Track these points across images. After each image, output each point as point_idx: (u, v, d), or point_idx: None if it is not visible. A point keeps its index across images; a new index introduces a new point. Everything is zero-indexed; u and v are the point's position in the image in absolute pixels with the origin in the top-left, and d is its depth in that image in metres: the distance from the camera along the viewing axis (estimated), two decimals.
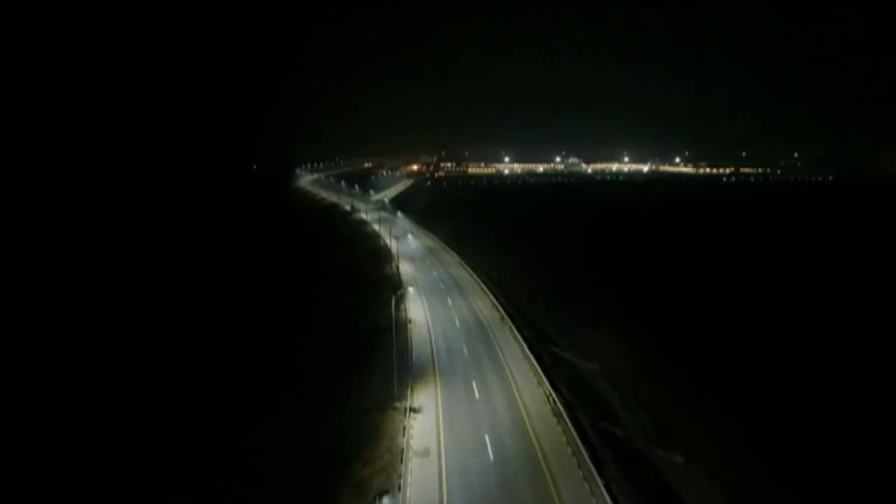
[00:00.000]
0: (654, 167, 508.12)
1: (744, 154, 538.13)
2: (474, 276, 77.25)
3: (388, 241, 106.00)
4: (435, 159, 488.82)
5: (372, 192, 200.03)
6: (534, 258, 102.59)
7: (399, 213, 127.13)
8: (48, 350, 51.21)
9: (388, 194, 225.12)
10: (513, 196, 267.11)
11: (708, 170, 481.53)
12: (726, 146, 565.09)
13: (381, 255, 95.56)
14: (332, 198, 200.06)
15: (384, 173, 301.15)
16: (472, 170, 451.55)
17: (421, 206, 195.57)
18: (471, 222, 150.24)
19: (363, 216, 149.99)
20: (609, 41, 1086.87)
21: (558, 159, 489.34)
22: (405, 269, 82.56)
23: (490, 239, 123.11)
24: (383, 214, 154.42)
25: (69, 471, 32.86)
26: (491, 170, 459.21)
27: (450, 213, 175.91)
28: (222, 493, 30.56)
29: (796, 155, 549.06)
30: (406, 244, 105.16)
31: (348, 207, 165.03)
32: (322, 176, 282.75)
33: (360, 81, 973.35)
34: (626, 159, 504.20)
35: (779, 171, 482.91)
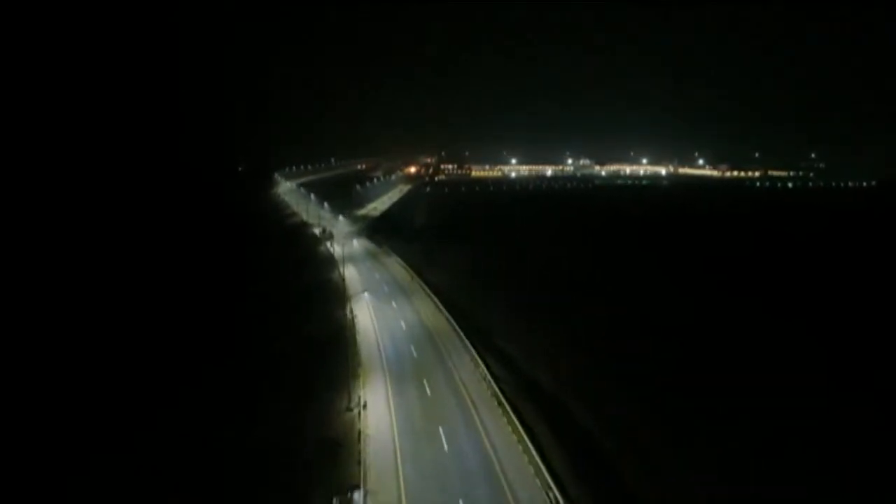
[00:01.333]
0: (672, 169, 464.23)
1: (756, 155, 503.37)
2: (533, 451, 33.33)
3: (365, 305, 62.70)
4: (434, 160, 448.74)
5: (341, 217, 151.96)
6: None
7: (369, 290, 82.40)
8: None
9: (377, 207, 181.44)
10: (528, 204, 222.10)
11: (734, 173, 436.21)
12: (736, 147, 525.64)
13: (339, 350, 51.90)
14: (304, 212, 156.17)
15: (378, 179, 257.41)
16: (475, 173, 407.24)
17: (420, 225, 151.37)
18: (492, 260, 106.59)
19: (335, 248, 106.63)
20: (610, 41, 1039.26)
21: (570, 161, 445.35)
22: (377, 415, 38.82)
23: (515, 291, 79.71)
24: (366, 246, 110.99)
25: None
26: (496, 173, 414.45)
27: (455, 235, 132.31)
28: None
29: (813, 155, 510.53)
30: (388, 320, 61.76)
31: (318, 231, 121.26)
32: (294, 185, 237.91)
33: (360, 81, 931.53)
34: (645, 161, 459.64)
35: (812, 175, 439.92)
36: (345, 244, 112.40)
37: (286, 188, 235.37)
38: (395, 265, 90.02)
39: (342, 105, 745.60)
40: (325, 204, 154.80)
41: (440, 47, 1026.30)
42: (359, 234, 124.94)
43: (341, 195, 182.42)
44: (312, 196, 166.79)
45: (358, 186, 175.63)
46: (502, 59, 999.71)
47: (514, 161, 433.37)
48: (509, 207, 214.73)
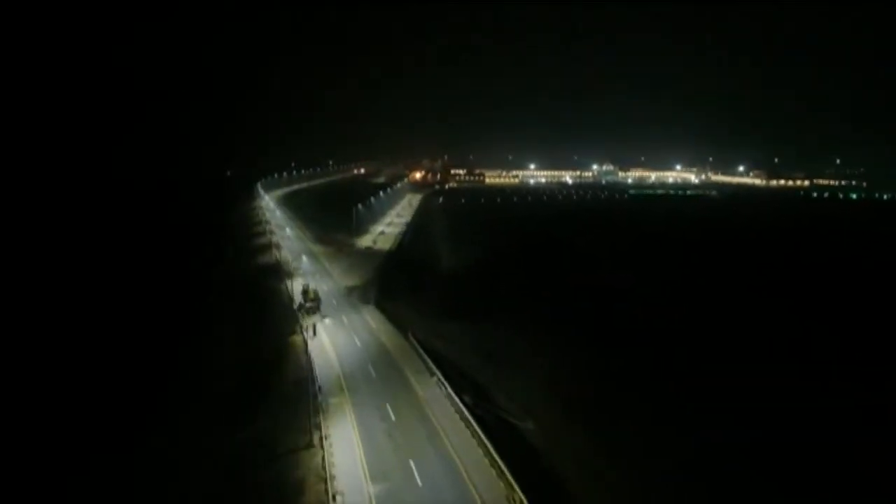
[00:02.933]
0: (705, 176, 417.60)
1: (776, 160, 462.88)
2: None
3: None
4: (439, 163, 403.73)
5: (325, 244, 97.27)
6: None
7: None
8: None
9: (384, 231, 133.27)
10: (572, 221, 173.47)
11: (779, 182, 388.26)
12: (749, 150, 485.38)
13: None
14: (280, 237, 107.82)
15: (387, 190, 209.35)
16: (489, 179, 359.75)
17: (450, 268, 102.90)
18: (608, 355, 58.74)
19: (318, 336, 58.15)
20: (610, 41, 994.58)
21: (594, 167, 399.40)
22: None
23: None
24: (377, 335, 62.36)
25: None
26: (514, 180, 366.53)
27: (507, 291, 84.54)
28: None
29: (838, 161, 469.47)
30: None
31: (298, 291, 72.12)
32: (277, 198, 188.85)
33: (360, 81, 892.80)
34: (679, 167, 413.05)
35: (864, 184, 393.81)
36: (342, 317, 64.62)
37: (269, 204, 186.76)
38: (450, 427, 40.01)
39: (342, 105, 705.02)
40: (304, 258, 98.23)
41: (440, 47, 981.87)
42: (364, 294, 76.42)
43: (338, 212, 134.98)
44: (288, 230, 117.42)
45: (360, 206, 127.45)
46: (502, 60, 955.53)
47: (532, 166, 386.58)
48: (548, 224, 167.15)
